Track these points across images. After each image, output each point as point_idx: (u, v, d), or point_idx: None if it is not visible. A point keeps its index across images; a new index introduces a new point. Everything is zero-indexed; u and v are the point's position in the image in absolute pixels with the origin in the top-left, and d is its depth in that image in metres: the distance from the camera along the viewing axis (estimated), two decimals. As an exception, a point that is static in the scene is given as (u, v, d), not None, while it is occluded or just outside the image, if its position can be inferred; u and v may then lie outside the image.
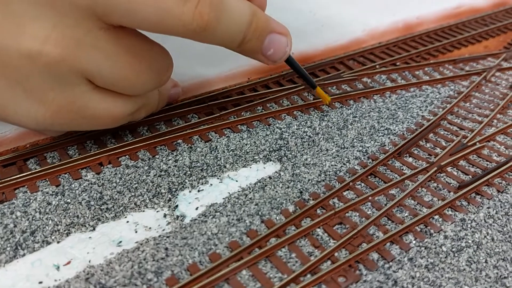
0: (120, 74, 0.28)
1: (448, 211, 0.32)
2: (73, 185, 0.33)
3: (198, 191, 0.34)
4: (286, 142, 0.38)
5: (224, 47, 0.31)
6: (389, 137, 0.39)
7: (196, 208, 0.32)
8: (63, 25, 0.26)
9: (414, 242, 0.30)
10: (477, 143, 0.38)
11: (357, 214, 0.32)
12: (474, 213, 0.32)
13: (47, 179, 0.33)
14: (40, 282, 0.27)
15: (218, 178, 0.35)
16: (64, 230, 0.30)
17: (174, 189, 0.33)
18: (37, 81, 0.27)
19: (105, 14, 0.26)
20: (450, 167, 0.36)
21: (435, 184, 0.34)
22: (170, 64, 0.32)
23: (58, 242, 0.30)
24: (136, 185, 0.33)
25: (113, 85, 0.29)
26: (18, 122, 0.30)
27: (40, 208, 0.31)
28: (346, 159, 0.36)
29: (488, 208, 0.33)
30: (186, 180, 0.34)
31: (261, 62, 0.34)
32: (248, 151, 0.37)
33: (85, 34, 0.26)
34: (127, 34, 0.28)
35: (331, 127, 0.40)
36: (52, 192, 0.32)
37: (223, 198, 0.33)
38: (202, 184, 0.34)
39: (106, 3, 0.25)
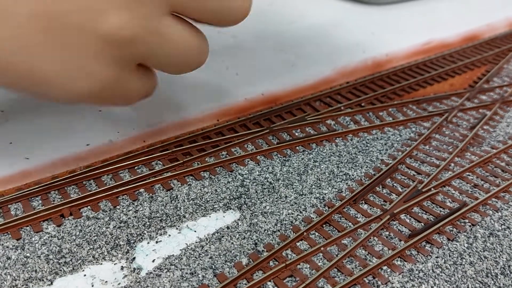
0: (173, 57, 0.34)
1: (397, 261, 0.33)
2: (33, 239, 0.34)
3: (156, 242, 0.34)
4: (246, 190, 0.39)
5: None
6: (347, 183, 0.40)
7: (153, 261, 0.33)
8: (139, 12, 0.30)
9: (361, 294, 0.31)
10: (432, 189, 0.39)
11: (308, 266, 0.33)
12: (422, 263, 0.33)
13: (8, 232, 0.34)
14: None
15: (177, 229, 0.36)
16: (22, 285, 0.31)
17: (132, 241, 0.34)
18: (100, 58, 0.31)
19: (176, 6, 0.32)
20: (404, 215, 0.37)
21: (387, 233, 0.35)
22: (207, 47, 0.36)
23: (15, 298, 0.31)
24: (95, 237, 0.34)
25: (162, 67, 0.35)
26: (54, 87, 0.32)
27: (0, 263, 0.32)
28: (303, 206, 0.38)
29: (437, 257, 0.34)
30: (145, 232, 0.35)
31: None
32: (208, 199, 0.38)
33: (158, 21, 0.31)
34: (183, 20, 0.33)
35: (291, 173, 0.41)
36: (13, 246, 0.33)
37: (180, 250, 0.34)
38: (161, 235, 0.35)
39: None
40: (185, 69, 0.36)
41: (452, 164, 0.42)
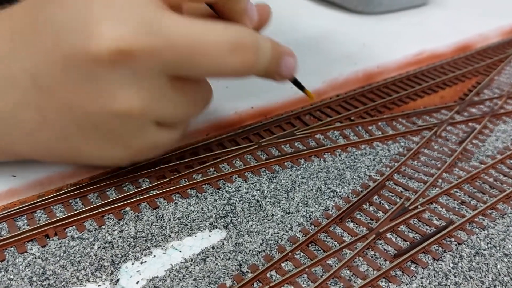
0: (179, 113, 0.37)
1: (381, 282, 0.33)
2: (17, 260, 0.34)
3: (141, 263, 0.34)
4: (233, 208, 0.39)
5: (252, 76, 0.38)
6: (334, 200, 0.40)
7: (137, 282, 0.33)
8: (143, 87, 0.33)
9: (344, 317, 0.31)
10: (419, 206, 0.39)
11: (292, 287, 0.32)
12: (407, 284, 0.33)
13: (-7, 254, 0.34)
14: None
15: (162, 249, 0.35)
16: (5, 308, 0.31)
17: (117, 262, 0.34)
18: (122, 132, 0.35)
19: (173, 72, 0.34)
20: (390, 233, 0.37)
21: (373, 252, 0.35)
22: (211, 94, 0.40)
23: (-3, 322, 0.31)
24: (80, 258, 0.34)
25: (172, 122, 0.37)
26: (98, 163, 0.39)
27: (-17, 286, 0.32)
28: (289, 225, 0.37)
29: (422, 278, 0.34)
30: (130, 252, 0.35)
31: (275, 80, 0.40)
32: (194, 218, 0.38)
33: (159, 90, 0.34)
34: (185, 81, 0.36)
35: (279, 190, 0.41)
36: (-4, 268, 0.33)
37: (165, 271, 0.34)
38: (146, 255, 0.35)
39: (174, 66, 0.33)
40: (192, 117, 0.40)
41: (440, 180, 0.42)
